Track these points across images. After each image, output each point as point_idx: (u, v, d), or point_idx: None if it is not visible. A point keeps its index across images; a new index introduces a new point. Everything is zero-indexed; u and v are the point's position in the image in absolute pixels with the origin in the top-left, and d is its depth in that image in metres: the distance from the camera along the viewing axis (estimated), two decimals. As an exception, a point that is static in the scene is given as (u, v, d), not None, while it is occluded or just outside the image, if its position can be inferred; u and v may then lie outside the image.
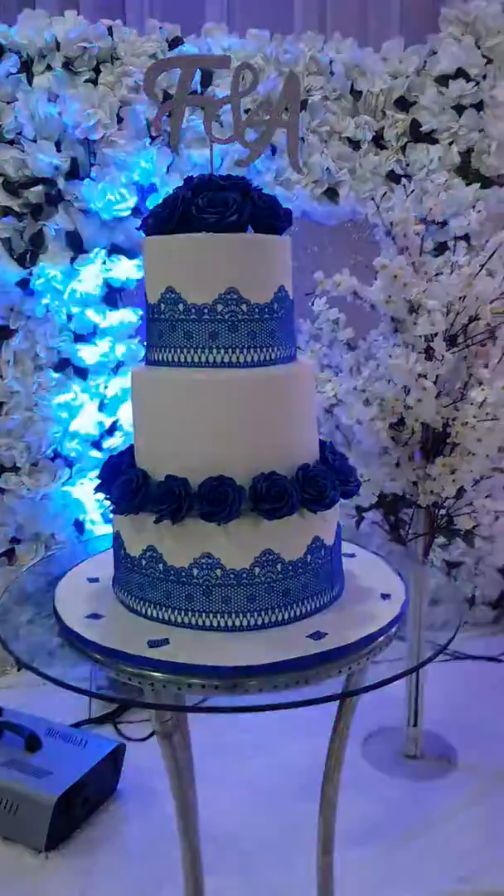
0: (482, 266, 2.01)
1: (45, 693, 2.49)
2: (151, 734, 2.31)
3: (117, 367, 2.59)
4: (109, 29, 2.43)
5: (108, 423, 2.58)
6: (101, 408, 2.58)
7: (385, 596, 1.14)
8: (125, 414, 2.57)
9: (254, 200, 1.06)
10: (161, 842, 1.86)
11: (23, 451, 2.50)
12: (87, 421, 2.57)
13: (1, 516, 2.53)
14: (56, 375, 2.52)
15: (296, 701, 0.93)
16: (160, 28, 2.47)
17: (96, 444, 2.59)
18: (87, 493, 2.56)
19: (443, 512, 2.14)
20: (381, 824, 1.95)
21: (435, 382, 2.00)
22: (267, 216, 1.07)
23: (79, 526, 2.60)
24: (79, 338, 2.55)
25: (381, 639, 1.04)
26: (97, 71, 2.41)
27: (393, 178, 2.58)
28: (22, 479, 2.51)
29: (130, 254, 2.56)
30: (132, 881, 1.79)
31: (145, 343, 1.13)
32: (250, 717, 2.36)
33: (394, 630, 1.07)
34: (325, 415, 2.09)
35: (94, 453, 2.58)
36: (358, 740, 2.28)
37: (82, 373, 2.55)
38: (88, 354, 2.54)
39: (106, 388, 2.57)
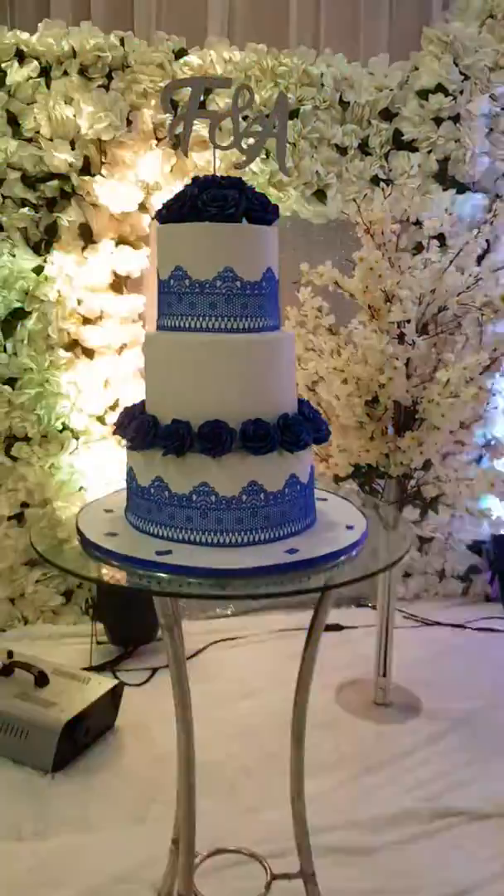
0: (451, 262, 2.25)
1: (50, 645, 2.75)
2: (147, 680, 2.55)
3: (122, 349, 2.82)
4: (122, 40, 2.66)
5: (112, 399, 2.81)
6: (106, 385, 2.81)
7: (349, 527, 1.38)
8: (128, 392, 2.80)
9: (248, 197, 1.29)
10: (152, 770, 2.08)
11: (34, 423, 2.72)
12: (93, 398, 2.79)
13: (12, 482, 2.75)
14: (66, 355, 2.75)
15: (281, 591, 1.17)
16: (167, 40, 2.71)
17: (100, 419, 2.82)
18: (91, 464, 2.79)
19: (412, 482, 2.39)
20: (351, 757, 2.19)
21: (407, 365, 2.25)
22: (258, 210, 1.31)
23: (82, 494, 2.83)
24: (87, 321, 2.78)
25: (342, 557, 1.28)
26: (109, 77, 2.65)
27: (377, 182, 2.82)
28: (33, 448, 2.73)
29: (136, 245, 2.79)
30: (127, 799, 2.00)
31: (157, 313, 1.37)
32: (241, 668, 2.61)
33: (354, 552, 1.30)
34: (308, 391, 2.34)
35: (99, 427, 2.81)
36: (332, 689, 2.53)
37: (90, 353, 2.79)
38: (95, 336, 2.76)
39: (111, 367, 2.80)
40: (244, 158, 1.36)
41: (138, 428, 1.29)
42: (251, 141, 1.33)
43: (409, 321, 2.22)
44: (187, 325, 1.30)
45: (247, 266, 1.29)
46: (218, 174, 1.33)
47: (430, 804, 1.98)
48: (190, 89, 1.31)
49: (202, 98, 2.65)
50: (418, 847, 1.84)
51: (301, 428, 1.31)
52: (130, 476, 1.35)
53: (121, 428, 1.35)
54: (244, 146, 1.32)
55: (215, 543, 1.27)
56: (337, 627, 2.92)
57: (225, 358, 1.27)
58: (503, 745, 2.25)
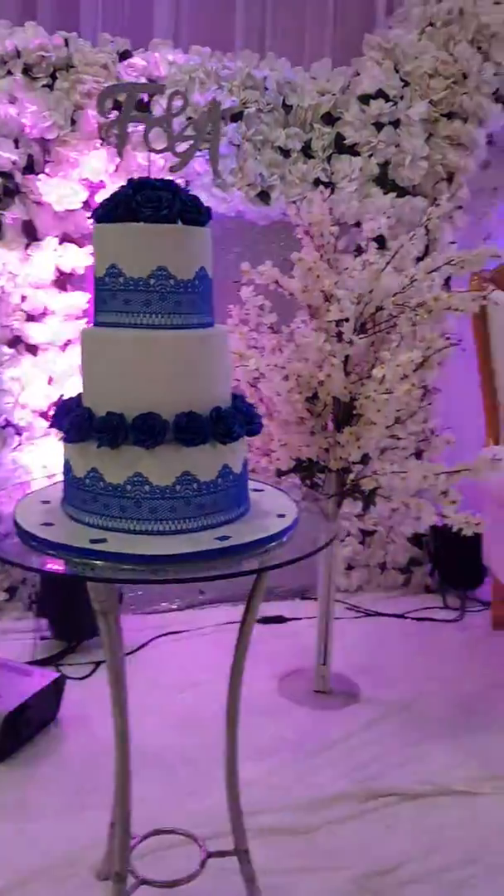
0: (387, 263, 2.33)
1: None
2: (90, 674, 2.58)
3: (65, 345, 2.84)
4: (66, 41, 2.69)
5: (55, 396, 2.83)
6: (50, 382, 2.83)
7: (281, 515, 1.44)
8: (71, 387, 2.83)
9: (181, 199, 1.34)
10: (94, 759, 2.11)
11: (-23, 418, 2.74)
12: (37, 393, 2.81)
13: (-45, 478, 2.76)
14: (9, 351, 2.76)
15: (212, 575, 1.23)
16: (111, 41, 2.74)
17: (44, 415, 2.84)
18: (34, 459, 2.81)
19: (351, 476, 2.46)
20: (290, 742, 2.25)
21: (346, 362, 2.32)
22: (191, 212, 1.35)
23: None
24: (31, 317, 2.80)
25: (272, 543, 1.34)
26: (53, 77, 2.67)
27: (320, 184, 2.89)
28: (-24, 443, 2.75)
29: (80, 243, 2.82)
30: (68, 788, 2.03)
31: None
32: (185, 660, 2.65)
33: (285, 538, 1.36)
34: (249, 388, 2.40)
35: (42, 423, 2.84)
36: (275, 679, 2.59)
37: (33, 349, 2.81)
38: (39, 333, 2.79)
39: (55, 363, 2.82)
40: (178, 161, 1.41)
41: (73, 421, 1.34)
42: (185, 145, 1.39)
43: (347, 320, 2.29)
44: (122, 322, 1.34)
45: (180, 265, 1.34)
46: (168, 175, 1.38)
47: (365, 786, 2.05)
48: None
49: (147, 99, 2.70)
50: (351, 826, 1.91)
51: (233, 420, 1.36)
52: (67, 468, 1.39)
53: (57, 420, 1.39)
54: (178, 150, 1.37)
55: (149, 532, 1.32)
56: (281, 619, 2.98)
57: (158, 353, 1.32)
58: (437, 728, 2.34)
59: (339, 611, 3.03)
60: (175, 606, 3.04)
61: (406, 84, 2.92)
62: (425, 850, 1.84)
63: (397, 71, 2.92)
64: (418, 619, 3.07)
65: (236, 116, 2.79)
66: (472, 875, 1.77)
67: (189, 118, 2.33)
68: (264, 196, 2.89)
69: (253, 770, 2.05)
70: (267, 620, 2.95)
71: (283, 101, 2.86)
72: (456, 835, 1.90)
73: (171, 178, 1.44)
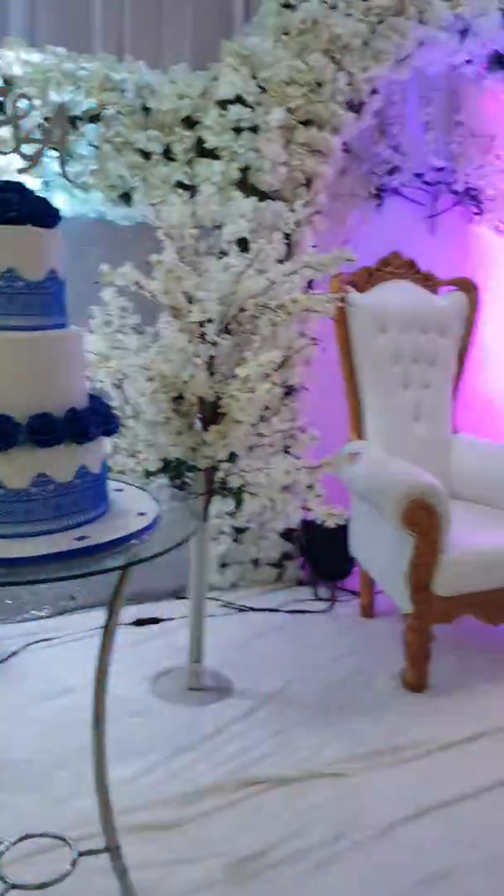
0: (247, 266, 2.39)
1: None
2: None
3: None
4: None
5: None
6: None
7: (141, 514, 1.46)
8: None
9: (30, 201, 1.35)
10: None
11: None
12: None
13: None
14: None
15: (73, 574, 1.23)
16: (-38, 37, 2.68)
17: None
18: None
19: (220, 474, 2.50)
20: (163, 740, 2.27)
21: (211, 363, 2.37)
22: (41, 214, 1.36)
23: None
24: None
25: (132, 541, 1.36)
26: None
27: (183, 187, 2.92)
28: None
29: None
30: None
31: None
32: (56, 667, 2.62)
33: (146, 536, 1.39)
34: (114, 389, 2.40)
35: None
36: (148, 680, 2.60)
37: None
38: None
39: None
40: (27, 164, 1.40)
41: None
42: (33, 147, 1.39)
43: (210, 321, 2.33)
44: (-29, 324, 1.33)
45: (29, 267, 1.34)
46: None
47: (236, 776, 2.10)
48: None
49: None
50: (224, 816, 1.95)
51: (89, 421, 1.37)
52: None
53: None
54: (26, 152, 1.37)
55: (6, 535, 1.31)
56: (155, 621, 2.99)
57: (9, 355, 1.32)
58: (307, 715, 2.42)
59: (214, 608, 3.09)
60: (45, 613, 3.00)
61: (263, 91, 3.00)
62: (295, 832, 1.91)
63: (254, 78, 2.99)
64: (291, 612, 3.16)
65: (95, 118, 2.78)
66: (339, 851, 1.85)
67: (47, 118, 2.32)
68: (126, 198, 2.90)
69: (126, 770, 2.08)
70: (142, 622, 2.96)
71: (143, 103, 2.87)
72: (325, 815, 1.98)
73: (24, 178, 1.43)
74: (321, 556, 3.37)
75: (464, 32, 3.28)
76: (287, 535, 3.37)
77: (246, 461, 2.48)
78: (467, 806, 2.03)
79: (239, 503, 3.11)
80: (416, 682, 2.58)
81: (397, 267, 3.29)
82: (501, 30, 3.35)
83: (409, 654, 2.59)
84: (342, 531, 3.14)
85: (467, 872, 1.80)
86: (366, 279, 3.20)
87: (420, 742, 2.28)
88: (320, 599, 3.29)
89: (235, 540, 3.29)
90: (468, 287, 3.37)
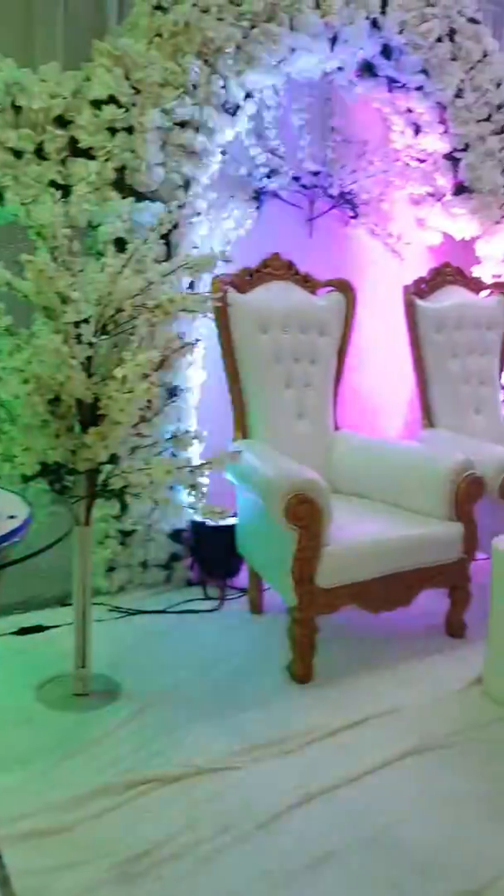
0: (123, 266, 2.38)
1: None
2: None
3: None
4: None
5: None
6: None
7: (11, 517, 1.44)
8: None
9: None
10: None
11: None
12: None
13: None
14: None
15: None
16: None
17: None
18: None
19: (101, 477, 2.48)
20: (49, 747, 2.22)
21: (89, 364, 2.35)
22: None
23: None
24: None
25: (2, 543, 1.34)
26: None
27: (56, 186, 2.88)
28: None
29: None
30: None
31: None
32: None
33: (17, 537, 1.37)
34: (-13, 392, 2.35)
35: None
36: (33, 688, 2.55)
37: None
38: None
39: None
40: None
41: None
42: None
43: (86, 322, 2.31)
44: None
45: None
46: None
47: (124, 777, 2.09)
48: None
49: None
50: (111, 818, 1.94)
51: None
52: None
53: None
54: None
55: None
56: (38, 629, 2.93)
57: None
58: (196, 713, 2.43)
59: (102, 613, 3.06)
60: None
61: (138, 92, 2.99)
62: (183, 828, 1.92)
63: (128, 78, 2.98)
64: (180, 613, 3.16)
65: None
66: (227, 843, 1.87)
67: None
68: (-2, 196, 2.84)
69: (9, 778, 2.03)
70: (25, 631, 2.90)
71: (13, 101, 2.82)
72: (213, 808, 2.00)
73: None
74: (210, 555, 3.40)
75: (334, 40, 3.37)
76: (175, 536, 3.37)
77: (128, 462, 2.48)
78: (350, 790, 2.10)
79: (124, 506, 3.11)
80: (302, 673, 2.63)
81: (277, 268, 3.35)
82: (369, 38, 3.47)
83: (294, 647, 2.64)
84: (230, 530, 3.18)
85: (349, 853, 1.85)
86: (246, 280, 3.25)
87: (306, 731, 2.33)
88: (210, 599, 3.31)
89: (122, 543, 3.26)
90: (345, 288, 3.47)
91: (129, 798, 2.01)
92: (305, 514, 2.58)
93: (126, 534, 3.27)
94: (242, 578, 3.31)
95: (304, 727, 2.35)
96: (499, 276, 4.09)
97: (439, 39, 3.67)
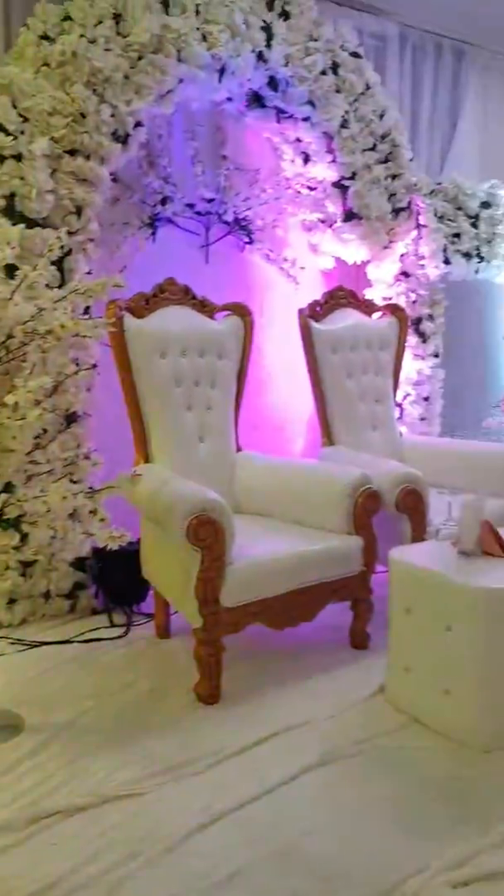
0: (13, 292, 2.37)
1: None
2: None
3: None
4: None
5: None
6: None
7: None
8: None
9: None
10: None
11: None
12: None
13: None
14: None
15: None
16: None
17: None
18: None
19: (-4, 506, 2.44)
20: (-50, 787, 2.16)
21: (-20, 392, 2.31)
22: None
23: None
24: None
25: None
26: None
27: None
28: None
29: None
30: None
31: None
32: None
33: None
34: None
35: None
36: None
37: None
38: None
39: None
40: None
41: None
42: None
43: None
44: None
45: None
46: None
47: (27, 812, 2.04)
48: None
49: None
50: (14, 854, 1.89)
51: None
52: None
53: None
54: None
55: None
56: None
57: None
58: (102, 741, 2.40)
59: (3, 646, 2.99)
60: None
61: (26, 120, 2.99)
62: (89, 858, 1.88)
63: (15, 107, 2.97)
64: (85, 642, 3.12)
65: None
66: (133, 870, 1.85)
67: None
68: None
69: None
70: None
71: None
72: (119, 836, 1.97)
73: None
74: (115, 582, 3.37)
75: (221, 71, 3.46)
76: (78, 564, 3.33)
77: (24, 490, 2.44)
78: (258, 806, 2.10)
79: (23, 535, 3.05)
80: (209, 694, 2.64)
81: (173, 293, 3.38)
82: (256, 71, 3.57)
83: (200, 668, 2.64)
84: (134, 555, 3.17)
85: (257, 869, 1.86)
86: (143, 305, 3.26)
87: (213, 752, 2.33)
88: (116, 626, 3.27)
89: (23, 574, 3.20)
90: (242, 312, 3.52)
91: (32, 832, 1.97)
92: (207, 534, 2.60)
93: (27, 564, 3.21)
94: (149, 604, 3.29)
95: (211, 747, 2.35)
96: (389, 299, 4.24)
97: (323, 72, 3.81)
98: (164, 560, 2.92)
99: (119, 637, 3.18)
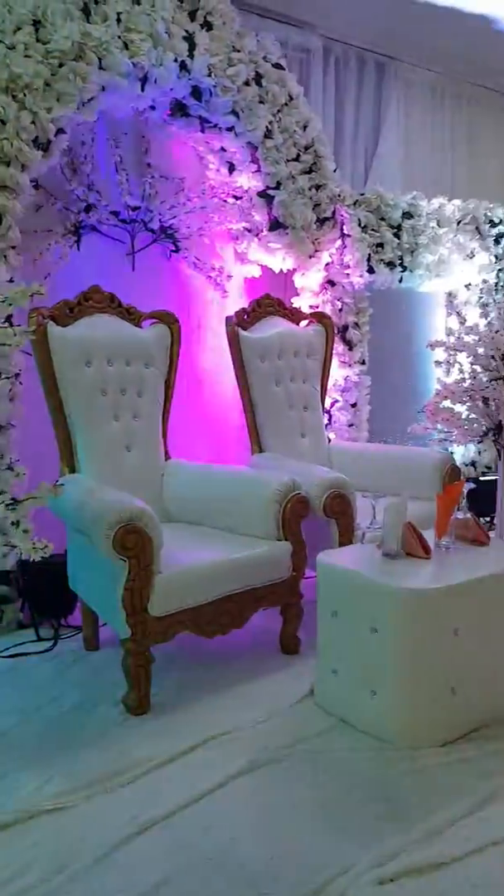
0: None
1: None
2: None
3: None
4: None
5: None
6: None
7: None
8: None
9: None
10: None
11: None
12: None
13: None
14: None
15: None
16: None
17: None
18: None
19: None
20: None
21: None
22: None
23: None
24: None
25: None
26: None
27: None
28: None
29: None
30: None
31: None
32: None
33: None
34: None
35: None
36: None
37: None
38: None
39: None
40: None
41: None
42: None
43: None
44: None
45: None
46: None
47: None
48: None
49: None
50: None
51: None
52: None
53: None
54: None
55: None
56: None
57: None
58: (28, 757, 2.35)
59: None
60: None
61: None
62: (14, 875, 1.85)
63: None
64: (11, 657, 3.06)
65: None
66: (59, 884, 1.82)
67: None
68: None
69: None
70: None
71: None
72: (45, 851, 1.94)
73: None
74: (42, 594, 3.31)
75: (144, 80, 3.46)
76: (3, 577, 3.27)
77: None
78: (188, 814, 2.10)
79: None
80: (138, 704, 2.62)
81: (98, 301, 3.35)
82: (179, 80, 3.58)
83: (129, 679, 2.62)
84: (62, 567, 3.12)
85: (185, 877, 1.85)
86: (67, 313, 3.22)
87: (142, 762, 2.31)
88: (43, 640, 3.22)
89: None
90: (169, 320, 3.52)
91: (-45, 852, 1.92)
92: (134, 543, 2.58)
93: None
94: (77, 616, 3.25)
95: (141, 758, 2.33)
96: (316, 307, 4.30)
97: (247, 83, 3.84)
98: (92, 571, 2.89)
99: (46, 651, 3.13)
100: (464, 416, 3.90)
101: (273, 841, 1.99)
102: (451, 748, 2.38)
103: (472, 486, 3.06)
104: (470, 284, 4.74)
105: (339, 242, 4.31)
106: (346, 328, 4.36)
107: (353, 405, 4.43)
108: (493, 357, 3.77)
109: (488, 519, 4.58)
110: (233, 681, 2.85)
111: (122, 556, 2.57)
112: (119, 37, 3.33)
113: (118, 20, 3.34)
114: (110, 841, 1.97)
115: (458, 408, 3.92)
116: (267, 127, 3.96)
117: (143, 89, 3.48)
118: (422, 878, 1.84)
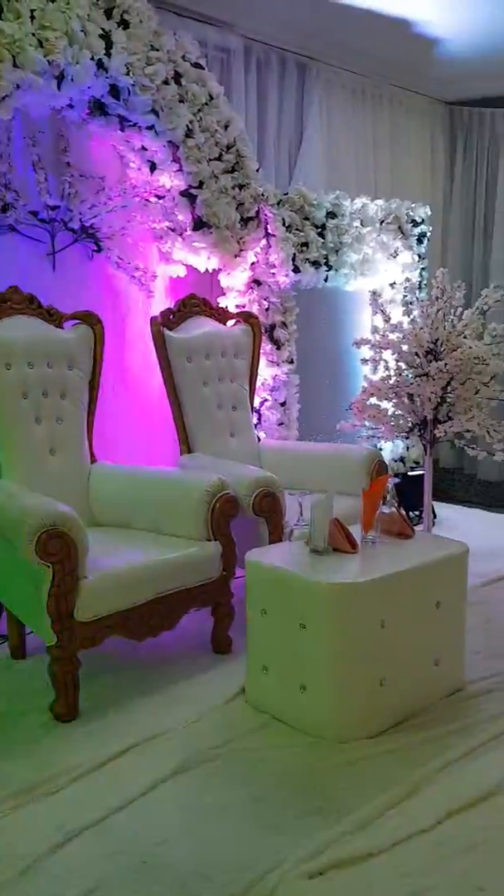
0: None
1: None
2: None
3: None
4: None
5: None
6: None
7: None
8: None
9: None
10: None
11: None
12: None
13: None
14: None
15: None
16: None
17: None
18: None
19: None
20: None
21: None
22: None
23: None
24: None
25: None
26: None
27: None
28: None
29: None
30: None
31: None
32: None
33: None
34: None
35: None
36: None
37: None
38: None
39: None
40: None
41: None
42: None
43: None
44: None
45: None
46: None
47: None
48: None
49: None
50: None
51: None
52: None
53: None
54: None
55: None
56: None
57: None
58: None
59: None
60: None
61: None
62: None
63: None
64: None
65: None
66: (-17, 900, 1.78)
67: None
68: None
69: None
70: None
71: None
72: (-30, 866, 1.88)
73: None
74: (-34, 603, 3.23)
75: (61, 78, 3.40)
76: None
77: None
78: (118, 818, 2.07)
79: None
80: (65, 711, 2.57)
81: (17, 302, 3.29)
82: (96, 78, 3.54)
83: (56, 686, 2.58)
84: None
85: (116, 882, 1.84)
86: (-16, 316, 3.16)
87: (70, 769, 2.27)
88: (-30, 649, 3.14)
89: None
90: (92, 320, 3.48)
91: None
92: (58, 548, 2.53)
93: None
94: (2, 624, 3.17)
95: (69, 765, 2.30)
96: (243, 307, 4.30)
97: (166, 82, 3.81)
98: (15, 577, 2.83)
99: (-29, 661, 3.05)
100: (390, 413, 3.97)
101: (204, 841, 1.98)
102: (379, 739, 2.41)
103: (397, 480, 3.10)
104: (394, 283, 4.80)
105: (263, 242, 4.32)
106: (273, 327, 4.37)
107: (283, 404, 4.45)
108: (416, 354, 3.85)
109: (418, 513, 4.66)
110: (164, 683, 2.82)
111: (45, 562, 2.52)
112: (33, 34, 3.27)
113: (32, 17, 3.28)
114: (39, 849, 1.93)
115: (385, 404, 3.99)
116: (188, 126, 3.94)
117: (59, 87, 3.42)
118: (351, 870, 1.85)
